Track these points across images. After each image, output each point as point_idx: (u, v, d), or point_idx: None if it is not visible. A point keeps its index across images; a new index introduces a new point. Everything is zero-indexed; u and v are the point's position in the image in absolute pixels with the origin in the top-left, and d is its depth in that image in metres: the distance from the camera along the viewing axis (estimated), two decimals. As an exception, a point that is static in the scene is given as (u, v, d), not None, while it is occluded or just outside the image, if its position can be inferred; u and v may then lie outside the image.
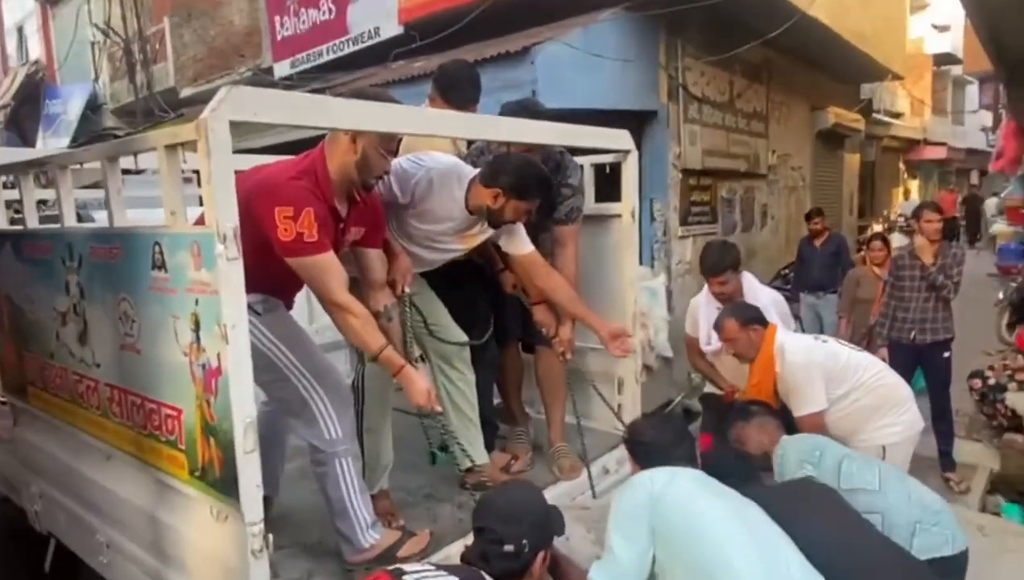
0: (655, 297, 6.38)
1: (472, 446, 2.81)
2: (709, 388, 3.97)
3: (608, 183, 3.43)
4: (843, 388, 3.07)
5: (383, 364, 2.23)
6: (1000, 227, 13.92)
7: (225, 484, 1.86)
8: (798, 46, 8.84)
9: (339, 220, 2.27)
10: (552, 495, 2.60)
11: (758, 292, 3.64)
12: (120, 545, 2.41)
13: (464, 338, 2.85)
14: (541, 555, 1.91)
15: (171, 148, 1.86)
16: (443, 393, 2.79)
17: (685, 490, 2.06)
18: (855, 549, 2.15)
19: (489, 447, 3.00)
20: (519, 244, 2.80)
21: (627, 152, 3.22)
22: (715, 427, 2.92)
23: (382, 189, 2.55)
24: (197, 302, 1.83)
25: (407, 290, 2.58)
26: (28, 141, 12.88)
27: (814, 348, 3.18)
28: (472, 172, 2.67)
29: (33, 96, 14.41)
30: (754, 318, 3.20)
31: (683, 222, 7.36)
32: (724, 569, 1.86)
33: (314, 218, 2.06)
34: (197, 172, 1.82)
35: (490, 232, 2.73)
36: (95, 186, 3.37)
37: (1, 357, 3.16)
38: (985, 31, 7.82)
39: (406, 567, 1.80)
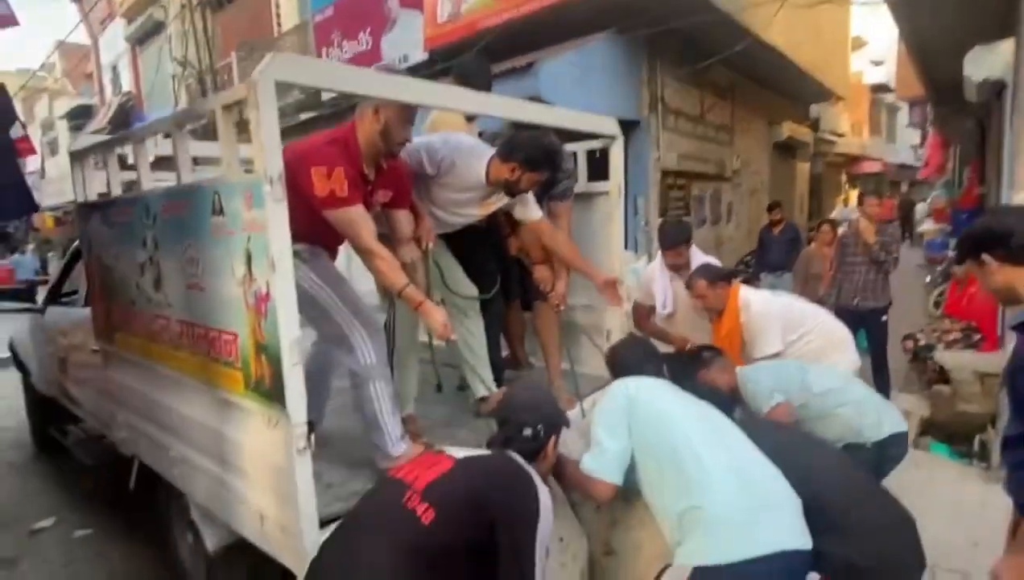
0: (638, 276, 6.29)
1: (486, 378, 2.77)
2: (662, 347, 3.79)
3: (598, 168, 3.36)
4: (797, 333, 3.00)
5: (406, 299, 2.18)
6: (927, 226, 13.96)
7: (274, 393, 1.81)
8: (758, 69, 8.74)
9: (367, 182, 2.22)
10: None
11: (702, 262, 3.48)
12: (190, 458, 2.37)
13: (475, 292, 2.80)
14: (553, 439, 1.90)
15: (227, 108, 1.80)
16: (458, 336, 2.71)
17: (654, 391, 2.04)
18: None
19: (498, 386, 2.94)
20: (531, 211, 2.75)
21: (613, 137, 3.14)
22: (673, 371, 2.82)
23: (413, 162, 2.50)
24: (249, 239, 1.78)
25: (430, 246, 2.54)
26: (120, 157, 12.94)
27: (773, 301, 3.13)
28: (489, 151, 2.60)
29: (125, 122, 14.31)
30: (720, 276, 3.12)
31: (662, 215, 7.28)
32: (691, 456, 1.80)
33: (344, 176, 2.03)
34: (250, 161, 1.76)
35: (504, 200, 2.67)
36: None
37: (94, 311, 3.13)
38: (919, 59, 7.70)
39: (446, 448, 1.78)
